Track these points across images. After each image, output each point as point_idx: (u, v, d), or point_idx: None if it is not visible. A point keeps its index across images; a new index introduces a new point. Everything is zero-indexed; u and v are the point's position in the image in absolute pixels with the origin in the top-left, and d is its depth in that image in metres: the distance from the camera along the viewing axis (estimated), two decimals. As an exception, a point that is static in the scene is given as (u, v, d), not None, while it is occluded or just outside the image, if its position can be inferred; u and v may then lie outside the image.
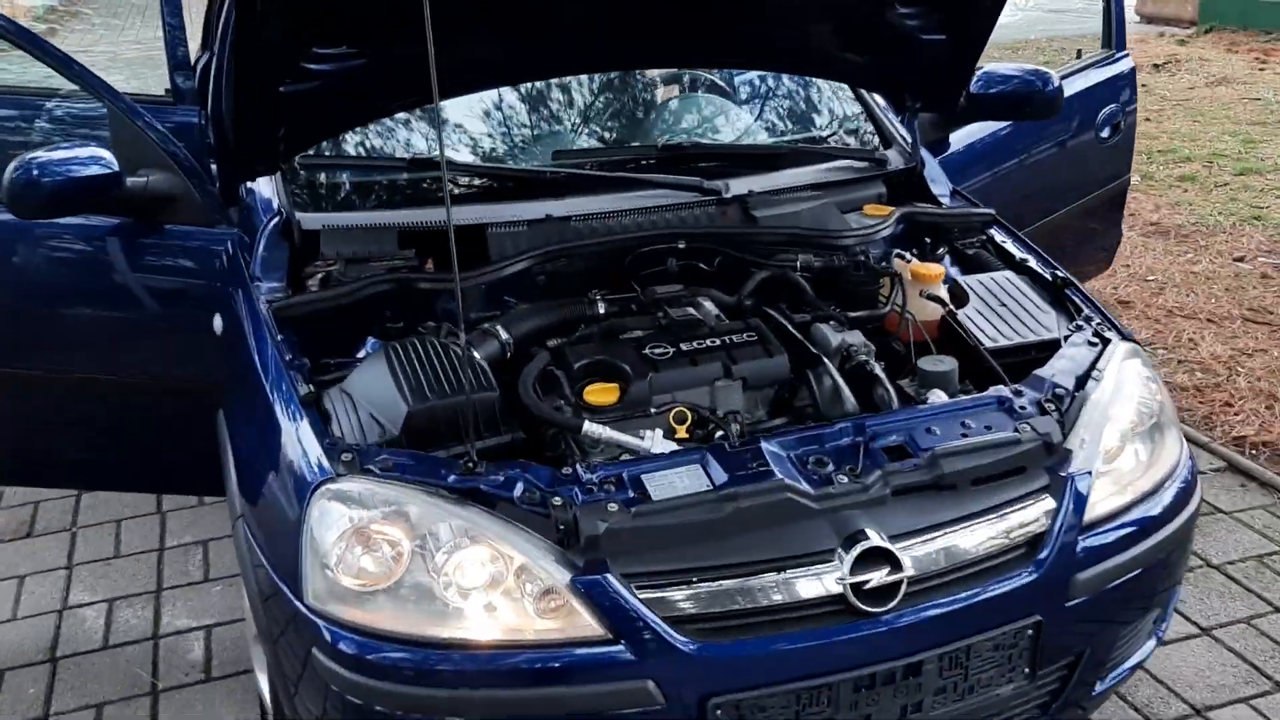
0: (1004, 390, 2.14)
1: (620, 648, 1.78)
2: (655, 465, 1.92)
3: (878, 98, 3.07)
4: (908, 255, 2.55)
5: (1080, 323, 2.39)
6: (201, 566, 3.18)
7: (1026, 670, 2.01)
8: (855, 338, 2.29)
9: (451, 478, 1.88)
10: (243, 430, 2.23)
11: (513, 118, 2.87)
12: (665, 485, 1.87)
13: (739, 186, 2.67)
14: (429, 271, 2.41)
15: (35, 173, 2.42)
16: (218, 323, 2.52)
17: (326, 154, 2.62)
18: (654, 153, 2.77)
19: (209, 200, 2.60)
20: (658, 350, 2.18)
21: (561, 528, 1.81)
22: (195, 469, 2.79)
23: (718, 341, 2.21)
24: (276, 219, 2.47)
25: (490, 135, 2.83)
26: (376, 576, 1.84)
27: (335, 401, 2.08)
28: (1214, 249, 5.33)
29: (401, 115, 2.70)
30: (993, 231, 2.74)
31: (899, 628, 1.86)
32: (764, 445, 1.95)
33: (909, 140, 2.92)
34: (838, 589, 1.84)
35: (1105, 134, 3.76)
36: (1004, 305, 2.45)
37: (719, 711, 1.81)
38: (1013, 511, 1.99)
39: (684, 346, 2.19)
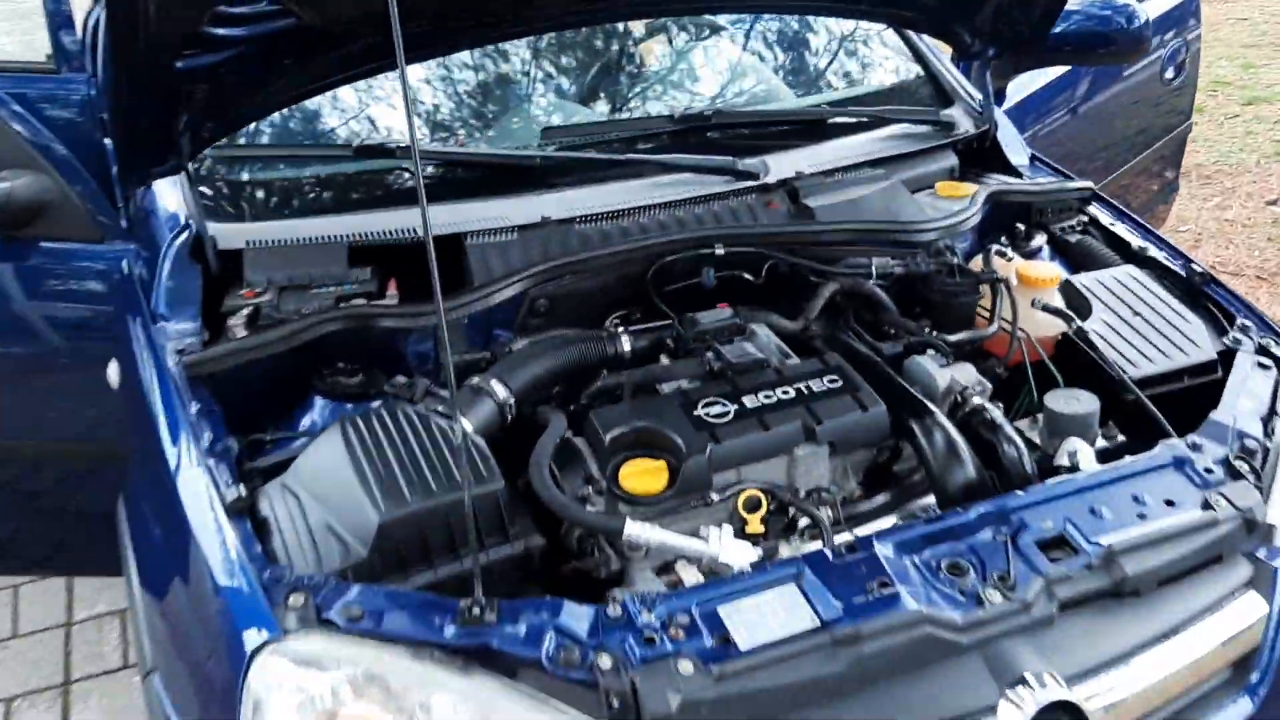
0: (1178, 445, 1.60)
1: None
2: (735, 589, 1.36)
3: (927, 40, 2.50)
4: (1008, 252, 2.00)
5: (1237, 335, 1.86)
6: (118, 647, 2.59)
7: None
8: (966, 374, 1.73)
9: (449, 630, 1.30)
10: (147, 539, 1.64)
11: (476, 87, 2.26)
12: (755, 624, 1.32)
13: (781, 167, 2.10)
14: (391, 302, 1.81)
15: None
16: (113, 372, 1.91)
17: (243, 144, 1.99)
18: (667, 125, 2.17)
19: (95, 207, 1.98)
20: (714, 409, 1.60)
21: (615, 704, 1.25)
22: (97, 547, 2.21)
23: (792, 392, 1.64)
24: (184, 234, 1.85)
25: (449, 111, 2.22)
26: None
27: (275, 503, 1.49)
28: (1242, 191, 4.84)
29: (334, 91, 2.06)
30: (1094, 210, 2.20)
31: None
32: (878, 548, 1.41)
33: (977, 97, 2.35)
34: None
35: (1170, 75, 3.21)
36: (1137, 314, 1.91)
37: None
38: (1214, 622, 1.47)
39: (748, 402, 1.62)
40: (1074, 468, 1.63)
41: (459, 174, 2.05)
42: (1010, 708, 1.31)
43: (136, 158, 1.76)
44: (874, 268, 1.90)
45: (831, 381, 1.66)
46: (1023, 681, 1.32)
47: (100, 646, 2.60)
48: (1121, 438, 1.75)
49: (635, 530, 1.45)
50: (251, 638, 1.31)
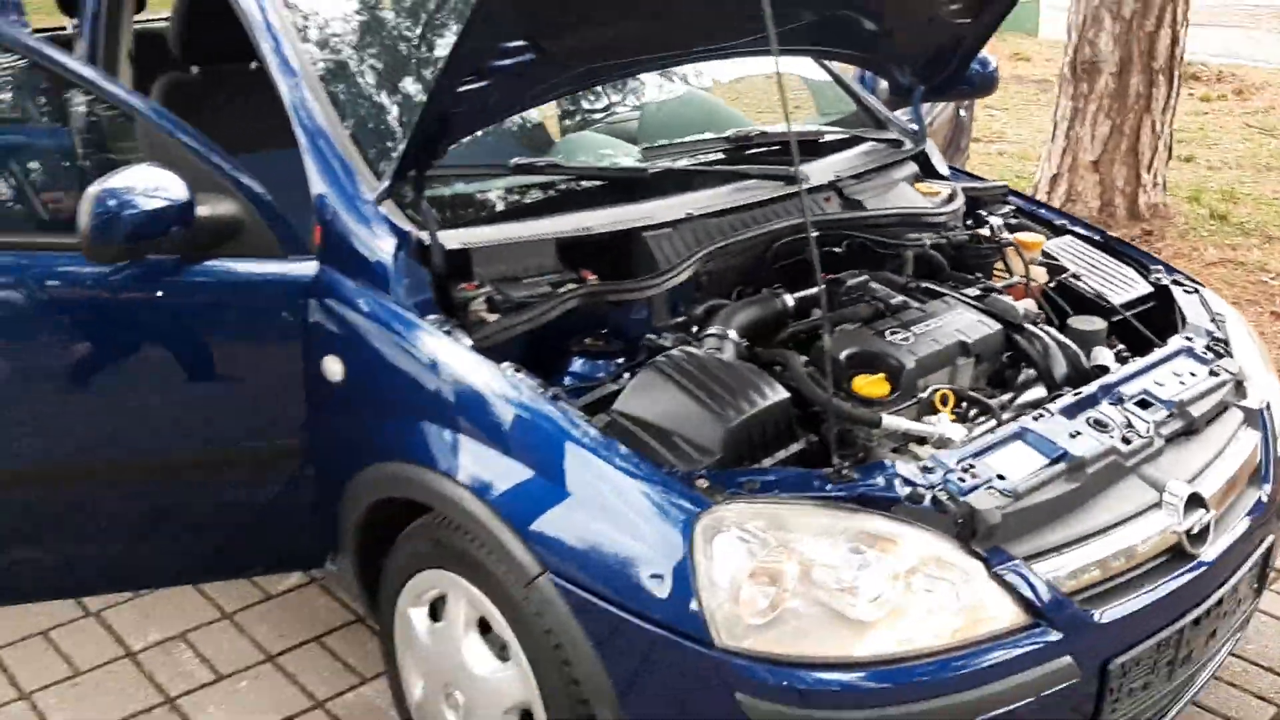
0: (1184, 340, 2.33)
1: (1043, 629, 1.77)
2: (982, 449, 1.91)
3: (856, 84, 3.18)
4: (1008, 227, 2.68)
5: (1158, 274, 2.64)
6: (201, 664, 2.69)
7: (1255, 585, 2.22)
8: (1029, 305, 2.39)
9: (829, 487, 1.77)
10: (507, 474, 1.91)
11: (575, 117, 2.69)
12: (1013, 466, 1.88)
13: (817, 174, 2.67)
14: (595, 283, 2.21)
15: (113, 204, 1.97)
16: (334, 366, 2.16)
17: (450, 163, 2.30)
18: (724, 144, 2.69)
19: (277, 229, 2.21)
20: (900, 336, 2.15)
21: (960, 521, 1.77)
22: (253, 546, 2.42)
23: (947, 321, 2.22)
24: (405, 242, 2.15)
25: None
26: (780, 602, 1.69)
27: (614, 431, 1.88)
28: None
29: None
30: (1014, 200, 2.94)
31: (1214, 563, 1.99)
32: (1058, 414, 2.01)
33: (898, 123, 3.04)
34: (1173, 539, 1.94)
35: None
36: (1091, 266, 2.65)
37: (1115, 673, 1.85)
38: (1237, 444, 2.19)
39: (917, 330, 2.18)
40: (1105, 367, 2.32)
41: (594, 185, 2.46)
42: (1171, 501, 1.95)
43: (406, 167, 2.07)
44: (927, 240, 2.52)
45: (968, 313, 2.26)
46: (1167, 487, 1.97)
47: (182, 666, 2.68)
48: (1120, 346, 2.45)
49: (890, 421, 1.97)
50: (688, 511, 1.71)
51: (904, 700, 1.69)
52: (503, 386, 1.93)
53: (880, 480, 1.79)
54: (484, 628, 2.02)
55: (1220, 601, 2.03)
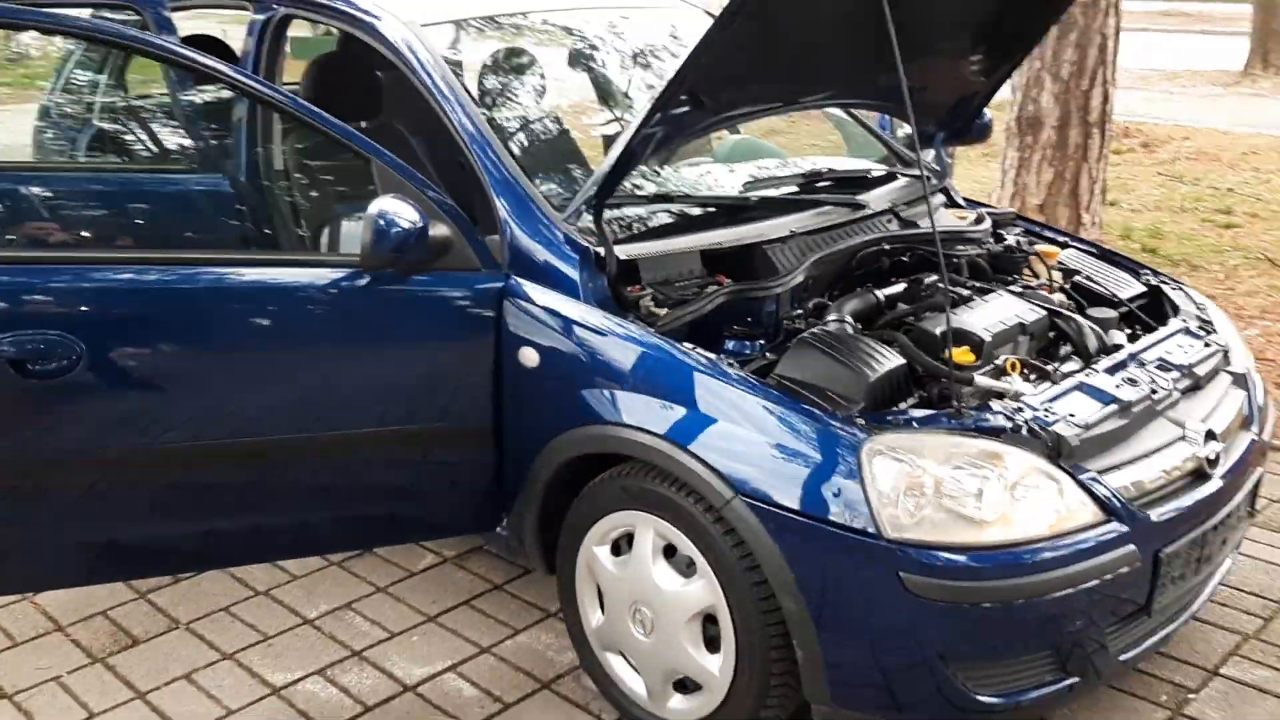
0: (1180, 321, 2.97)
1: (1113, 524, 2.35)
2: (1057, 396, 2.51)
3: (880, 129, 3.82)
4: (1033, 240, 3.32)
5: (1148, 276, 3.30)
6: (373, 625, 3.15)
7: (1249, 509, 2.84)
8: (1060, 298, 3.02)
9: (953, 423, 2.35)
10: (699, 424, 2.43)
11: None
12: (1078, 408, 2.48)
13: (875, 202, 3.28)
14: (737, 284, 2.78)
15: (383, 224, 2.49)
16: (530, 355, 2.69)
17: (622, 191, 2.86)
18: (800, 178, 3.30)
19: (476, 247, 2.74)
20: (977, 319, 2.75)
21: (1050, 443, 2.36)
22: (445, 511, 2.91)
23: (1007, 308, 2.82)
24: (586, 255, 2.70)
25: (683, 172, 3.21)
26: (924, 505, 2.25)
27: (778, 388, 2.45)
28: None
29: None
30: (1020, 222, 3.59)
31: (1224, 484, 2.61)
32: (1102, 373, 2.62)
33: (936, 161, 3.69)
34: (1195, 463, 2.55)
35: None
36: (1096, 270, 3.30)
37: (1164, 560, 2.44)
38: (1231, 398, 2.83)
39: (987, 315, 2.78)
40: (1120, 345, 2.94)
41: (709, 210, 3.04)
42: (1193, 434, 2.57)
43: (603, 195, 2.63)
44: (973, 251, 3.15)
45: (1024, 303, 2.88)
46: (1187, 425, 2.59)
47: (357, 628, 3.14)
48: (1127, 330, 3.08)
49: (982, 380, 2.56)
50: (855, 440, 2.27)
51: (1013, 575, 2.26)
52: (687, 358, 2.48)
53: (988, 417, 2.38)
54: (668, 553, 2.55)
55: (1229, 515, 2.64)
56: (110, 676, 2.93)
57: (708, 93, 2.60)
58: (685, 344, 2.52)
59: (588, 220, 2.75)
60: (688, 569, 2.51)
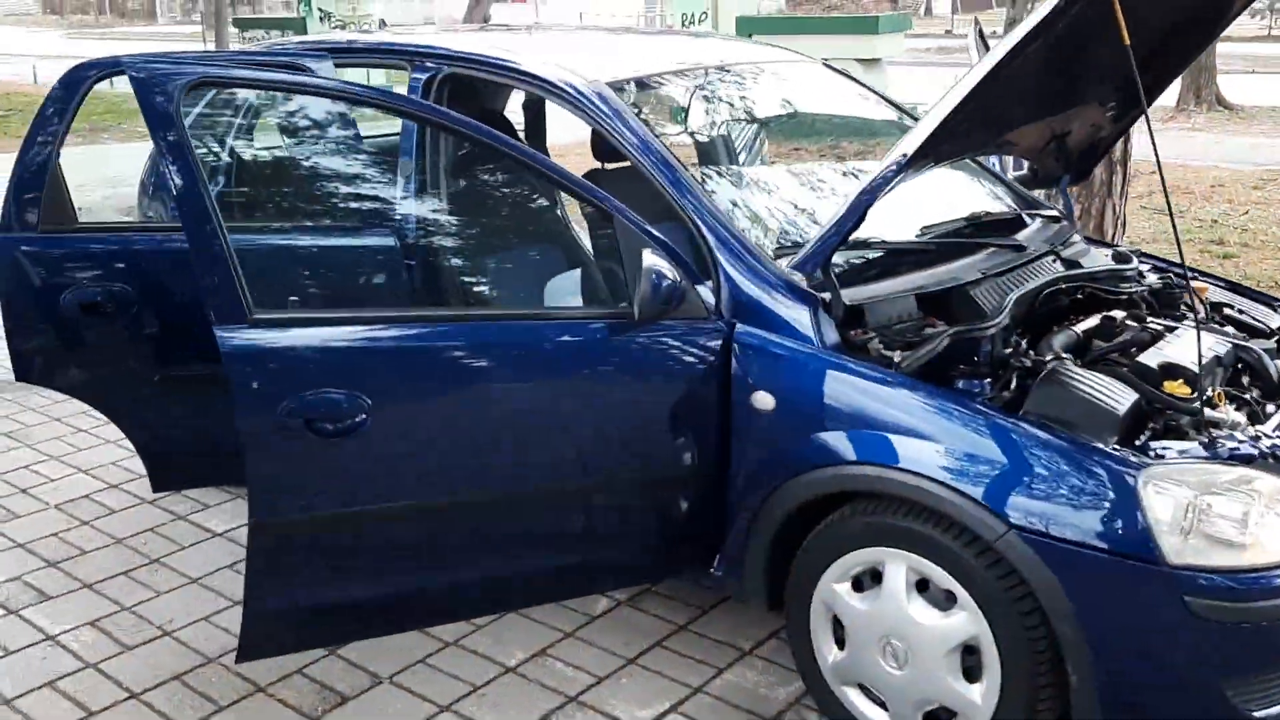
0: None
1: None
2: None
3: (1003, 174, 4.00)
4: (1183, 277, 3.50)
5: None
6: (576, 670, 3.19)
7: None
8: (1231, 330, 3.19)
9: (1209, 453, 2.50)
10: (964, 461, 2.53)
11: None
12: None
13: (1034, 243, 3.44)
14: (943, 326, 2.91)
15: (655, 278, 2.60)
16: (765, 399, 2.78)
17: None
18: (964, 222, 3.45)
19: (704, 298, 2.84)
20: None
21: (1273, 462, 2.52)
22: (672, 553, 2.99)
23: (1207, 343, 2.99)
24: (812, 300, 2.81)
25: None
26: (1193, 530, 2.39)
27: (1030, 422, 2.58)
28: None
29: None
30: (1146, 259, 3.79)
31: None
32: None
33: (1062, 202, 3.87)
34: None
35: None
36: (1236, 302, 3.49)
37: None
38: None
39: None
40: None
41: (904, 256, 3.17)
42: None
43: (835, 245, 2.75)
44: (1142, 288, 3.32)
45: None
46: None
47: (561, 674, 3.18)
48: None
49: (1212, 413, 2.71)
50: (1133, 473, 2.40)
51: (1269, 596, 2.40)
52: (945, 398, 2.60)
53: (1239, 447, 2.53)
54: (919, 586, 2.65)
55: None
56: (337, 734, 2.94)
57: (930, 145, 2.73)
58: (920, 385, 2.64)
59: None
60: (946, 602, 2.61)
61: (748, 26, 12.29)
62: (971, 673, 2.61)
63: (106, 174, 3.49)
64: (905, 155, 2.67)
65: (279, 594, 2.55)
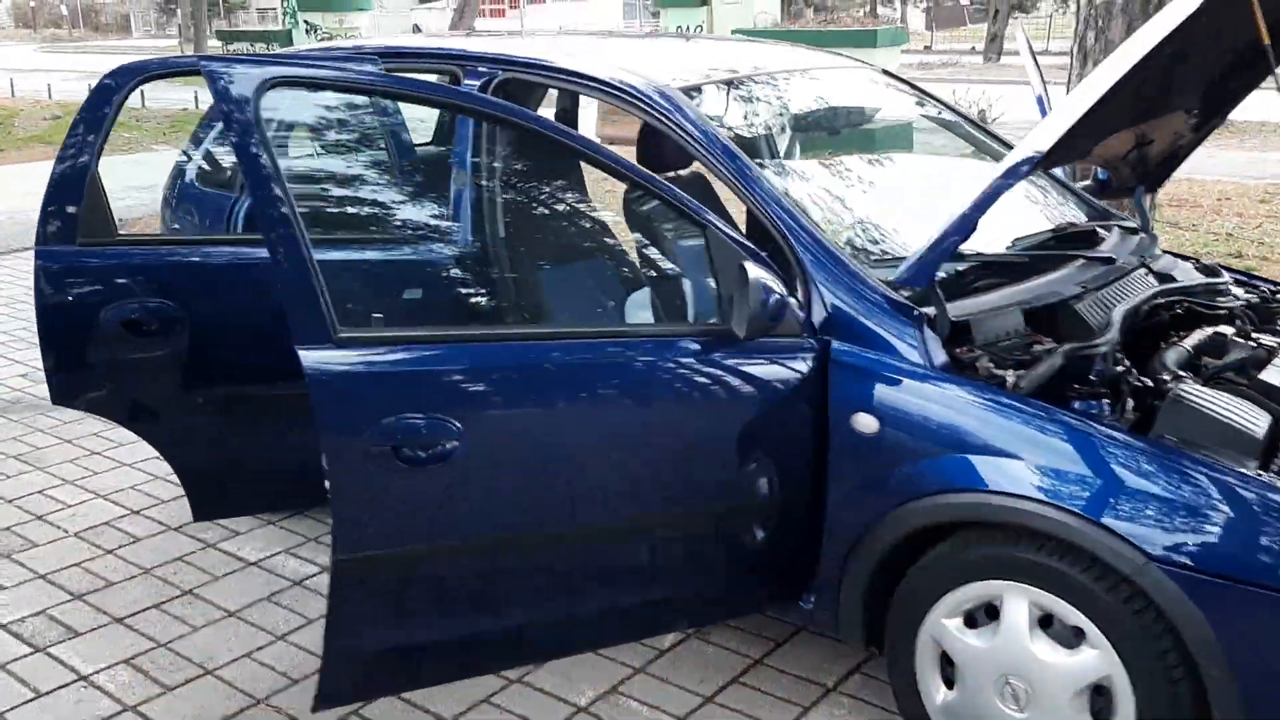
0: None
1: None
2: None
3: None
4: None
5: None
6: (652, 710, 3.00)
7: None
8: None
9: (1349, 476, 2.34)
10: (1097, 489, 2.37)
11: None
12: None
13: (1122, 257, 3.28)
14: (1047, 343, 2.74)
15: (763, 293, 2.42)
16: (868, 421, 2.60)
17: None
18: (1051, 233, 3.29)
19: (799, 316, 2.67)
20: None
21: None
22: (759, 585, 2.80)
23: None
24: (914, 317, 2.63)
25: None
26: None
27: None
28: None
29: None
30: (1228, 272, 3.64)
31: None
32: None
33: (1139, 212, 3.72)
34: None
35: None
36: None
37: None
38: None
39: None
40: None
41: (996, 269, 3.00)
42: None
43: (942, 258, 2.58)
44: (1239, 300, 3.17)
45: None
46: None
47: (636, 713, 2.98)
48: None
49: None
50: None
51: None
52: (1072, 422, 2.43)
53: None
54: (1042, 623, 2.47)
55: None
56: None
57: (1052, 154, 2.57)
58: (1035, 405, 2.47)
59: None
60: (1074, 639, 2.44)
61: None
62: (1100, 715, 2.43)
63: (109, 185, 3.26)
64: (1038, 152, 2.49)
65: (366, 635, 2.35)
